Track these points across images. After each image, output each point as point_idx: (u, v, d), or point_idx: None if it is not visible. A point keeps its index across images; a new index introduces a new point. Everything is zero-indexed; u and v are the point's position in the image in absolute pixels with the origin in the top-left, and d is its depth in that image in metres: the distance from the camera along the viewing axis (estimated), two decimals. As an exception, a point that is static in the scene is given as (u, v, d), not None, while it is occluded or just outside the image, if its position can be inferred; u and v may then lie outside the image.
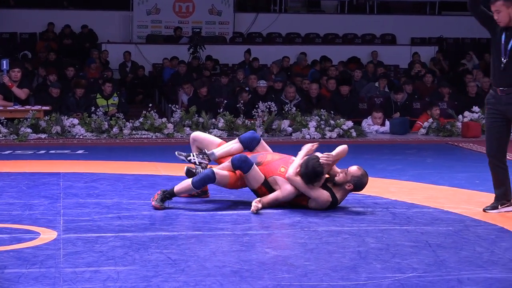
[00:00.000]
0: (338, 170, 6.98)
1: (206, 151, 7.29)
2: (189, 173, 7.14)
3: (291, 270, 4.98)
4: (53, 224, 6.21)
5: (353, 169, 6.96)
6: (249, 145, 7.27)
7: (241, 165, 6.87)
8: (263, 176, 6.93)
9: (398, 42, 23.17)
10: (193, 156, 7.29)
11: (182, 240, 5.76)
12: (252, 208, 6.74)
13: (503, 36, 6.78)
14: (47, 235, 5.83)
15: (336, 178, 6.93)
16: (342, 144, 7.14)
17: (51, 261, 5.09)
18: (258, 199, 6.85)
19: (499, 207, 6.83)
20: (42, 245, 5.52)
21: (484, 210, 6.84)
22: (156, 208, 6.84)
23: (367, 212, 6.92)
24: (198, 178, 6.88)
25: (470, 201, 7.50)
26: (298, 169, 6.83)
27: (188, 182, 6.91)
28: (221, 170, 6.93)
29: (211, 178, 6.85)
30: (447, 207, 7.16)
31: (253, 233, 6.11)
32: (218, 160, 7.23)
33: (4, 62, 13.88)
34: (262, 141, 7.35)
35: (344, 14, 24.14)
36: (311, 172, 6.73)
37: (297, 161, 6.94)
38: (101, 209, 6.86)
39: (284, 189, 6.86)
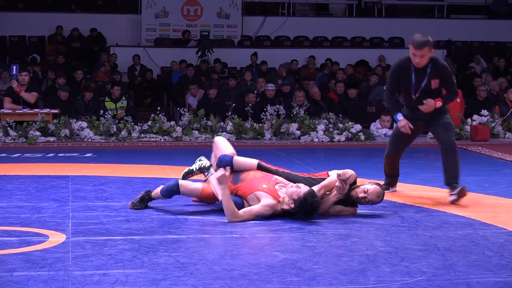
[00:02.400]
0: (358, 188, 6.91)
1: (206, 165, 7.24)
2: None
3: (299, 274, 4.97)
4: (61, 227, 6.22)
5: (372, 188, 6.86)
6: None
7: (221, 164, 6.87)
8: (253, 164, 6.93)
9: (407, 46, 23.11)
10: (195, 168, 7.30)
11: (191, 243, 5.76)
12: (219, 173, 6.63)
13: (413, 75, 7.54)
14: (55, 238, 5.84)
15: (359, 196, 6.86)
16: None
17: (59, 264, 5.09)
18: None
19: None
20: (51, 248, 5.52)
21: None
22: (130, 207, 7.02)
23: (376, 216, 6.91)
24: (165, 187, 6.97)
25: (479, 204, 7.48)
26: (321, 191, 6.77)
27: (158, 188, 7.04)
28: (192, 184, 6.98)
29: (175, 190, 6.93)
30: (456, 211, 7.15)
31: (261, 236, 6.11)
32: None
33: (14, 67, 13.91)
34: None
35: (353, 18, 24.14)
36: (308, 208, 6.55)
37: (322, 183, 6.84)
38: (109, 212, 6.87)
39: (265, 201, 6.63)
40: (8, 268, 4.97)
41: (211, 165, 7.20)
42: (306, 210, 6.54)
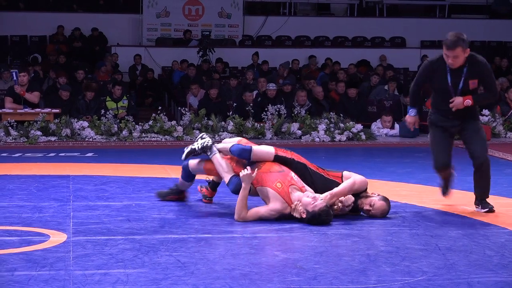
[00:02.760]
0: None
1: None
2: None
3: (300, 273, 4.97)
4: (62, 227, 6.22)
5: (379, 205, 6.80)
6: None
7: (239, 154, 6.80)
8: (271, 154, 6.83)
9: (408, 45, 23.15)
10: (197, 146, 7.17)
11: (192, 243, 5.76)
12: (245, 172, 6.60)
13: (449, 77, 6.93)
14: (56, 237, 5.84)
15: (364, 208, 6.83)
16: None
17: (60, 263, 5.10)
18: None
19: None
20: (52, 248, 5.52)
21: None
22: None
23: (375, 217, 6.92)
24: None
25: (480, 204, 7.47)
26: (333, 199, 6.70)
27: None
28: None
29: (187, 170, 7.04)
30: (457, 211, 7.14)
31: (262, 236, 6.11)
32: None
33: (14, 73, 13.93)
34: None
35: (354, 17, 24.13)
36: (318, 223, 6.45)
37: (335, 191, 6.75)
38: (110, 212, 6.87)
39: (274, 205, 6.56)
40: (9, 267, 4.97)
41: (213, 143, 7.07)
42: (316, 224, 6.44)
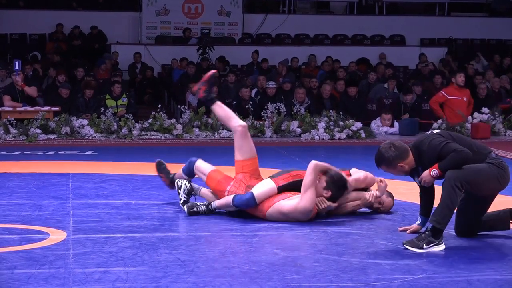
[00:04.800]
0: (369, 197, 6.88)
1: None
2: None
3: (300, 271, 4.97)
4: (62, 225, 6.22)
5: (388, 200, 6.97)
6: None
7: (247, 203, 6.56)
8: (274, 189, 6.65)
9: (407, 43, 23.14)
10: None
11: (191, 241, 5.76)
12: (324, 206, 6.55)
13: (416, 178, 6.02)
14: (56, 235, 5.85)
15: (374, 206, 6.93)
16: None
17: (60, 261, 5.10)
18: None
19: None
20: (52, 246, 5.53)
21: None
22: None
23: (377, 214, 6.92)
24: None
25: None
26: (353, 183, 6.75)
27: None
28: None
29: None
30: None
31: (262, 234, 6.11)
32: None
33: (17, 62, 13.93)
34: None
35: (353, 15, 24.11)
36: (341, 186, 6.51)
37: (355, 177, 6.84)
38: (110, 210, 6.87)
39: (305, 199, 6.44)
40: (9, 265, 4.97)
41: (190, 184, 6.94)
42: (339, 187, 6.49)
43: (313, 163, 6.45)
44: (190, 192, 6.93)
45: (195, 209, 6.75)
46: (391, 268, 5.08)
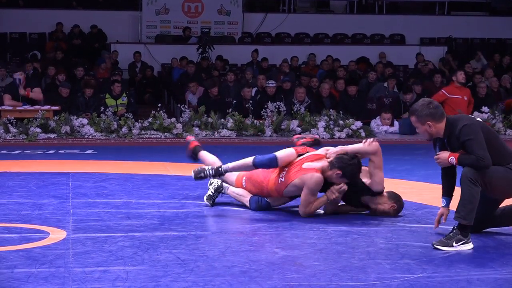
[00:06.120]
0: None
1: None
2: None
3: (300, 270, 4.97)
4: (62, 224, 6.22)
5: (398, 206, 6.80)
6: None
7: (270, 163, 6.76)
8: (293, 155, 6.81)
9: (407, 42, 23.13)
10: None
11: (191, 240, 5.76)
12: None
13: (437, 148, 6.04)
14: (56, 234, 5.84)
15: (386, 210, 6.77)
16: (354, 144, 6.96)
17: (60, 260, 5.09)
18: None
19: None
20: (52, 245, 5.52)
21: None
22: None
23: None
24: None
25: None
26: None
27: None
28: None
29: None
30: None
31: (262, 233, 6.11)
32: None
33: (17, 79, 13.94)
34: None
35: (353, 14, 24.10)
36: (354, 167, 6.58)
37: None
38: (110, 209, 6.87)
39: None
40: (9, 264, 4.97)
41: (222, 182, 7.18)
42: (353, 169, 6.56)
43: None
44: (219, 189, 7.11)
45: (202, 174, 6.85)
46: (390, 267, 5.09)
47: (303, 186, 6.56)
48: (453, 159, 5.75)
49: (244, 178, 7.04)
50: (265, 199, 6.91)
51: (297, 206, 6.86)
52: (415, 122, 5.91)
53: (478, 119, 5.94)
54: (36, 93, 13.96)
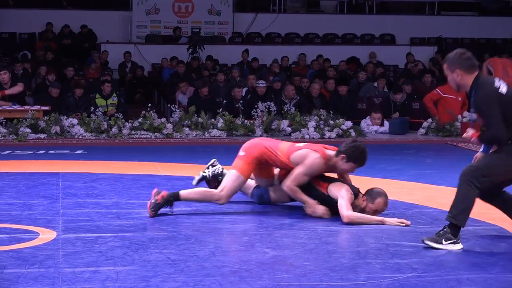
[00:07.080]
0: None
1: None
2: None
3: (290, 270, 4.98)
4: (52, 224, 6.21)
5: (379, 201, 6.69)
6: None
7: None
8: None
9: (397, 42, 23.17)
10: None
11: (182, 240, 5.76)
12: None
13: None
14: (46, 235, 5.83)
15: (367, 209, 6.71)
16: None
17: (50, 261, 5.09)
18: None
19: None
20: (42, 245, 5.52)
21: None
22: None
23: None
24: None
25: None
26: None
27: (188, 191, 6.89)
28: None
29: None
30: (447, 207, 7.14)
31: (252, 233, 6.11)
32: None
33: None
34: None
35: (343, 14, 24.14)
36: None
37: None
38: (100, 209, 6.87)
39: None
40: (-2, 265, 4.96)
41: (223, 169, 7.24)
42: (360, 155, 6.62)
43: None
44: (217, 176, 7.17)
45: (201, 176, 7.24)
46: (381, 267, 5.09)
47: (303, 160, 6.62)
48: (475, 140, 5.83)
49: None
50: (268, 193, 7.05)
51: (297, 206, 6.88)
52: (446, 69, 5.90)
53: (504, 89, 5.76)
54: (14, 89, 13.82)
